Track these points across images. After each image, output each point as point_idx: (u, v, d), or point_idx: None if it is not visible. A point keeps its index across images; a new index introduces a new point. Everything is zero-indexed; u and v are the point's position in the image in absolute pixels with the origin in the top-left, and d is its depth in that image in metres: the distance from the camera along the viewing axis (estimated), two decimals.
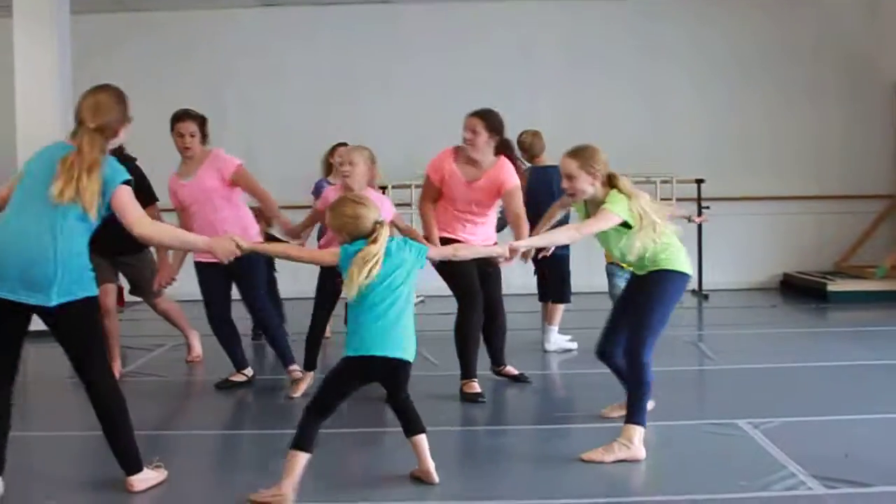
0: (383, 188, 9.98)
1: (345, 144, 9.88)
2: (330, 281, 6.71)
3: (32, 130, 10.32)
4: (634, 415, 5.73)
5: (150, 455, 5.39)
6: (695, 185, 13.12)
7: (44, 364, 8.37)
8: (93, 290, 5.03)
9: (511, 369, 7.98)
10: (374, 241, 5.02)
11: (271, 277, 9.66)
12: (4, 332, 5.02)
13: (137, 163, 8.13)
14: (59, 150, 5.01)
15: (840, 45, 14.14)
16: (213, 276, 7.56)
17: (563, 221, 7.48)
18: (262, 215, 8.48)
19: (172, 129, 7.65)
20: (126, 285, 8.78)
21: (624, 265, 7.20)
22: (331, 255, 5.28)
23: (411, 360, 5.20)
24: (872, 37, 14.19)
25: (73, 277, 4.91)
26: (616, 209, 5.72)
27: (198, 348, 9.02)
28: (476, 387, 7.34)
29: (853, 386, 7.62)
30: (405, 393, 5.27)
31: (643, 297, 5.85)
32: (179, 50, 13.88)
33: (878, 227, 14.10)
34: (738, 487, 5.13)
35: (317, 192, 9.63)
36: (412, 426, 5.28)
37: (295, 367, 7.73)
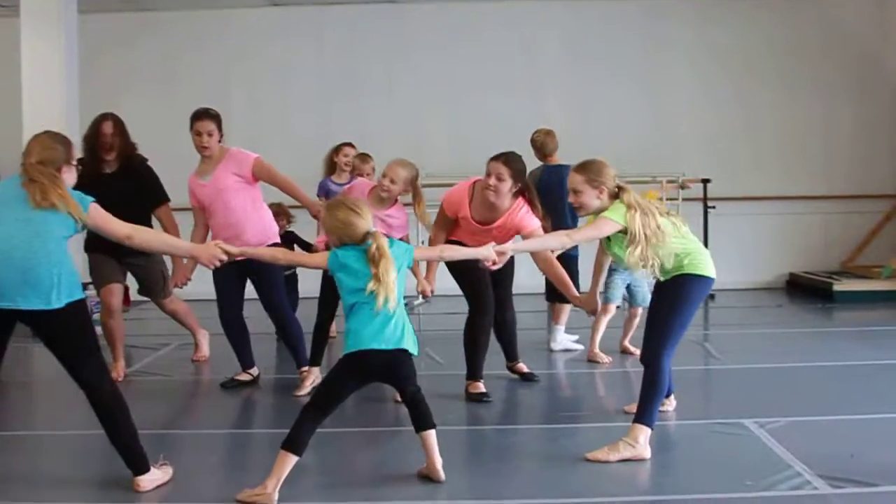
0: None
1: (350, 144, 9.90)
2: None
3: (39, 130, 10.20)
4: (643, 415, 5.73)
5: (157, 454, 5.39)
6: (701, 185, 13.09)
7: (49, 363, 8.36)
8: (82, 294, 5.10)
9: (523, 366, 8.02)
10: (375, 258, 5.02)
11: (293, 273, 9.67)
12: None
13: (148, 163, 8.16)
14: (14, 179, 5.10)
15: (847, 45, 14.13)
16: (228, 275, 7.52)
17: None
18: (280, 215, 8.51)
19: (191, 127, 7.64)
20: (133, 285, 8.78)
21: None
22: (320, 258, 5.31)
23: (412, 352, 5.18)
24: (879, 36, 14.18)
25: (71, 279, 4.96)
26: (611, 215, 5.71)
27: (205, 348, 9.02)
28: (481, 387, 7.35)
29: (859, 386, 7.62)
30: (414, 386, 5.26)
31: (666, 301, 5.84)
32: (186, 49, 13.92)
33: (884, 227, 14.10)
34: (743, 487, 5.12)
35: (324, 193, 9.61)
36: (422, 422, 5.28)
37: (307, 368, 7.75)
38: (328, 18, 14.08)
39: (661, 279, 5.86)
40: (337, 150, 9.90)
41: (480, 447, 6.31)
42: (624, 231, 5.69)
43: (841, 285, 12.75)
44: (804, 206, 14.17)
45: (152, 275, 8.40)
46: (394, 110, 13.90)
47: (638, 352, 6.38)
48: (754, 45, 14.05)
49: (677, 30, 14.09)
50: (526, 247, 6.14)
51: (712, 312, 12.08)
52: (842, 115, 14.19)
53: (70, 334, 5.03)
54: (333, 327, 8.68)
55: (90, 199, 5.11)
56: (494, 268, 6.03)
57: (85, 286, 5.71)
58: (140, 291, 8.61)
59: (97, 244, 7.80)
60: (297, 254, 5.91)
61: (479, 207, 7.16)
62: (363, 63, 14.05)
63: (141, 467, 5.18)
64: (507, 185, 6.94)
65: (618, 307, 8.84)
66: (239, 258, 5.47)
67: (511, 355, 8.03)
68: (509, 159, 7.00)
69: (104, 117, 8.06)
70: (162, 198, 8.14)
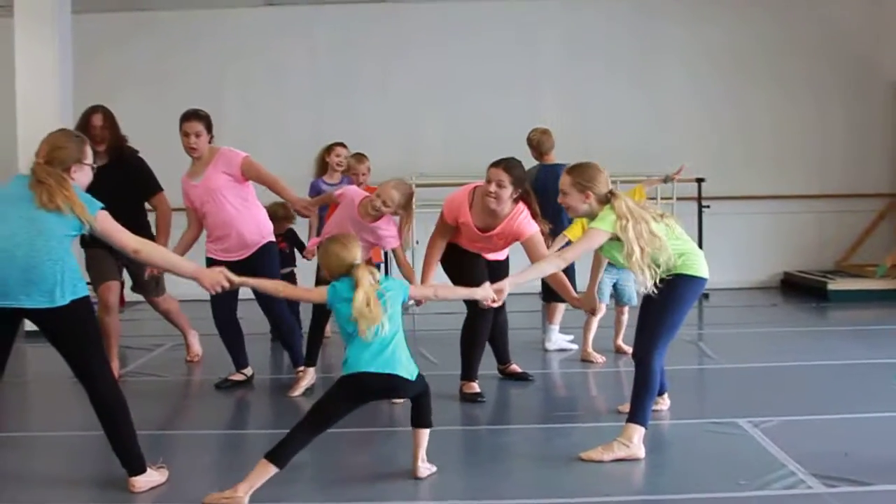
0: None
1: (341, 144, 9.85)
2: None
3: (33, 130, 10.23)
4: (636, 414, 5.74)
5: (151, 455, 5.39)
6: (695, 184, 13.08)
7: (44, 364, 8.38)
8: (86, 291, 5.09)
9: (516, 367, 8.03)
10: (357, 287, 5.04)
11: (290, 272, 9.68)
12: None
13: (140, 155, 8.16)
14: (23, 178, 5.12)
15: (841, 44, 14.12)
16: None
17: None
18: (276, 216, 8.52)
19: (180, 128, 7.63)
20: (127, 282, 8.76)
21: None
22: (319, 293, 5.32)
23: (408, 378, 5.17)
24: (873, 35, 14.17)
25: (74, 276, 4.97)
26: (600, 225, 5.71)
27: (197, 348, 9.02)
28: (476, 387, 7.36)
29: (853, 385, 7.62)
30: (420, 392, 5.31)
31: (658, 300, 5.83)
32: (180, 49, 13.88)
33: (878, 226, 14.10)
34: (737, 486, 5.14)
35: (315, 193, 9.55)
36: (419, 419, 5.37)
37: (303, 368, 7.75)
38: (322, 18, 14.05)
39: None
40: (328, 149, 9.83)
41: (475, 447, 6.31)
42: (616, 238, 5.68)
43: (835, 284, 12.75)
44: (798, 205, 14.17)
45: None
46: (388, 110, 13.88)
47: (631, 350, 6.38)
48: (748, 44, 14.05)
49: (672, 29, 14.08)
50: (524, 278, 6.06)
51: (707, 312, 12.09)
52: (835, 114, 14.19)
53: (74, 331, 5.04)
54: (329, 327, 8.68)
55: (100, 204, 5.11)
56: (495, 305, 6.03)
57: None
58: (134, 288, 8.59)
59: (95, 240, 7.79)
60: (299, 288, 5.94)
61: (480, 213, 7.14)
62: (357, 62, 14.03)
63: (137, 468, 5.20)
64: (508, 191, 6.92)
65: (605, 305, 8.84)
66: (237, 280, 5.44)
67: (503, 358, 8.04)
68: (510, 165, 6.96)
69: (94, 110, 8.07)
70: (155, 188, 8.16)
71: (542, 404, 7.47)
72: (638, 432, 5.69)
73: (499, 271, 7.39)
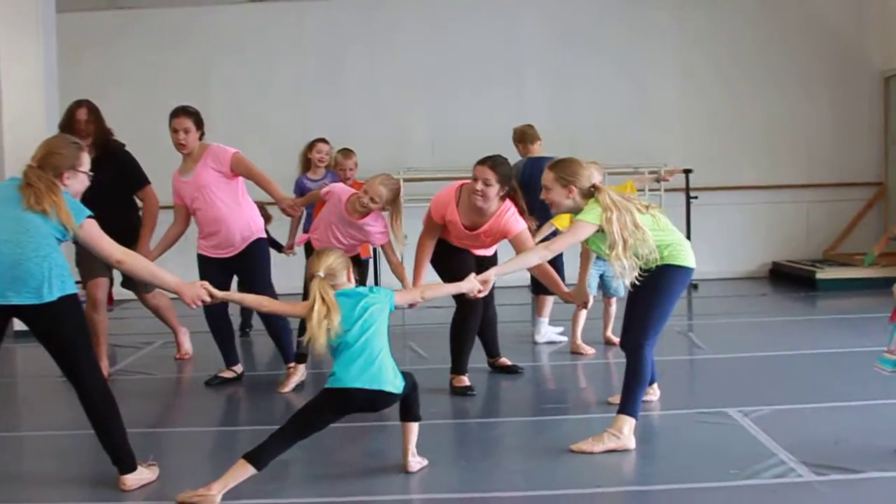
0: None
1: (323, 140, 9.82)
2: None
3: (18, 130, 10.35)
4: (627, 406, 5.74)
5: (142, 453, 5.39)
6: (683, 175, 13.08)
7: (35, 363, 8.37)
8: (75, 288, 5.08)
9: (505, 360, 8.04)
10: (313, 300, 5.05)
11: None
12: None
13: (126, 148, 8.14)
14: (15, 180, 5.10)
15: (828, 35, 14.17)
16: (215, 271, 7.53)
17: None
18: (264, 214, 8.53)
19: (169, 125, 7.62)
20: (117, 279, 8.74)
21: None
22: (302, 307, 5.28)
23: (395, 393, 5.14)
24: (860, 26, 14.22)
25: (62, 272, 4.97)
26: (586, 217, 5.70)
27: (187, 345, 9.01)
28: (466, 381, 7.37)
29: (842, 373, 7.64)
30: (411, 381, 5.32)
31: (646, 291, 5.83)
32: (166, 46, 13.87)
33: (865, 215, 14.17)
34: (728, 475, 5.14)
35: (299, 191, 9.53)
36: (408, 413, 5.37)
37: (293, 364, 7.75)
38: (308, 13, 14.06)
39: (643, 269, 5.85)
40: (310, 146, 9.78)
41: (465, 440, 6.32)
42: (601, 230, 5.68)
43: (824, 273, 12.80)
44: (786, 195, 14.21)
45: None
46: (375, 105, 13.89)
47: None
48: (737, 34, 14.09)
49: (661, 20, 14.12)
50: (508, 269, 6.05)
51: (696, 302, 12.11)
52: (823, 104, 14.24)
53: (63, 328, 5.03)
54: None
55: (88, 212, 5.09)
56: (481, 296, 6.04)
57: None
58: (124, 284, 8.56)
59: None
60: (282, 303, 5.90)
61: (467, 211, 7.13)
62: (343, 57, 14.04)
63: (127, 466, 5.18)
64: (494, 189, 6.91)
65: (593, 297, 8.83)
66: (219, 294, 5.42)
67: (492, 351, 8.05)
68: (496, 163, 6.95)
69: (78, 104, 8.05)
70: (143, 181, 8.15)
71: (532, 397, 7.48)
72: (628, 423, 5.70)
73: (487, 267, 7.37)
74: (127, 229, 7.58)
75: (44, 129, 9.56)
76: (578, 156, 6.07)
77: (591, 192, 5.81)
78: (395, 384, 5.12)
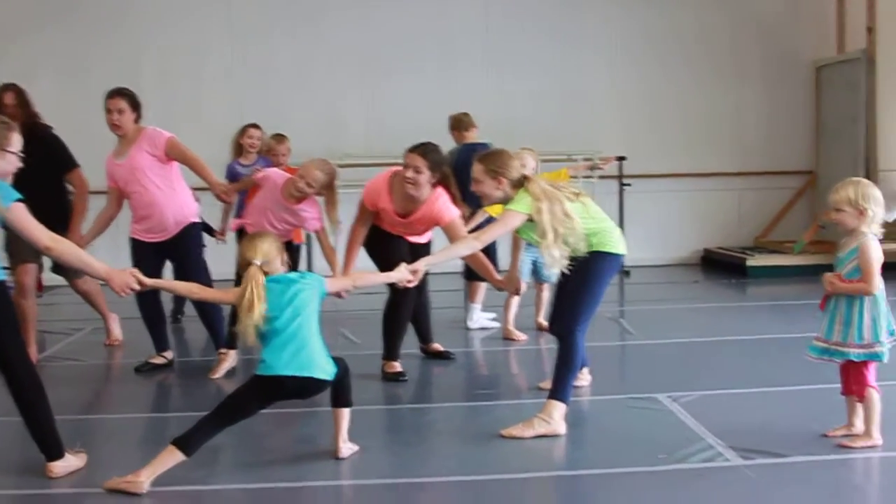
0: None
1: (255, 125, 9.77)
2: None
3: None
4: (558, 391, 5.77)
5: (71, 440, 5.34)
6: (616, 162, 13.13)
7: None
8: (2, 274, 5.01)
9: (438, 346, 8.05)
10: (244, 287, 5.02)
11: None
12: None
13: (53, 131, 8.04)
14: None
15: (762, 25, 14.29)
16: (148, 254, 7.49)
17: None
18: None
19: (104, 106, 7.54)
20: (47, 264, 8.64)
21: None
22: (234, 294, 5.25)
23: (326, 379, 5.13)
24: (793, 16, 14.35)
25: None
26: (516, 207, 5.73)
27: (117, 331, 8.93)
28: (398, 367, 7.38)
29: (770, 359, 7.74)
30: (343, 366, 5.31)
31: (576, 278, 5.86)
32: (96, 31, 13.63)
33: (796, 204, 14.33)
34: (657, 460, 5.19)
35: (230, 176, 9.47)
36: (339, 399, 5.35)
37: (225, 350, 7.70)
38: None
39: (573, 256, 5.88)
40: (242, 131, 9.72)
41: (397, 426, 6.32)
42: (532, 219, 5.70)
43: (754, 261, 12.94)
44: (718, 182, 14.34)
45: None
46: (310, 90, 13.78)
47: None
48: (673, 25, 14.14)
49: (599, 8, 14.12)
50: (439, 259, 6.07)
51: (628, 288, 12.19)
52: (756, 94, 14.37)
53: None
54: None
55: (17, 196, 5.00)
56: (410, 286, 6.05)
57: None
58: (54, 270, 8.46)
59: None
60: (213, 290, 5.87)
61: (399, 199, 7.10)
62: (277, 41, 13.89)
63: (55, 453, 5.13)
64: (425, 176, 6.89)
65: (526, 283, 8.87)
66: (148, 282, 5.36)
67: (425, 337, 8.05)
68: (426, 151, 6.93)
69: (5, 88, 7.95)
70: (71, 164, 8.04)
71: (463, 382, 7.50)
72: (559, 409, 5.73)
73: (421, 254, 7.38)
74: (57, 213, 7.49)
75: None
76: (514, 143, 6.10)
77: (521, 182, 5.83)
78: (326, 370, 5.11)
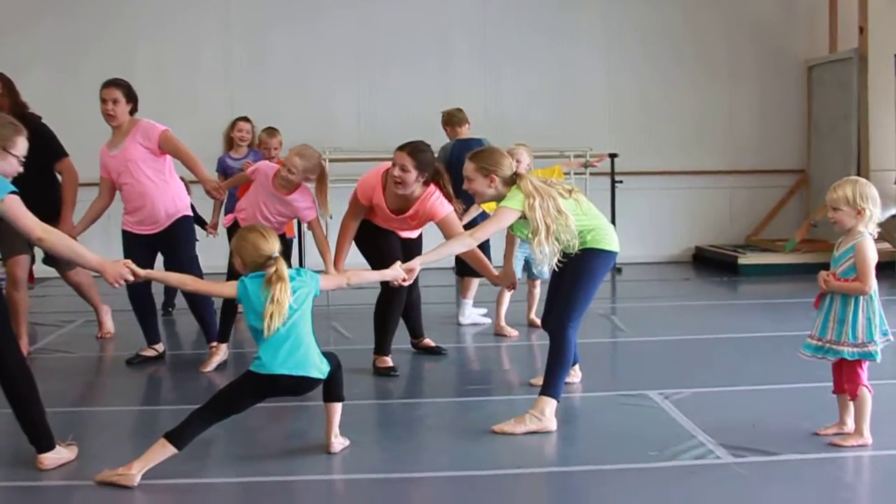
0: None
1: (245, 118, 9.79)
2: None
3: None
4: (549, 387, 5.77)
5: (63, 433, 5.34)
6: (608, 159, 13.13)
7: None
8: None
9: (429, 341, 8.04)
10: (273, 281, 4.96)
11: None
12: None
13: (43, 121, 8.01)
14: None
15: (755, 23, 14.33)
16: (140, 247, 7.48)
17: None
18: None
19: (100, 96, 7.53)
20: (38, 256, 8.61)
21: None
22: (229, 287, 5.24)
23: (320, 378, 5.14)
24: (783, 17, 14.38)
25: None
26: (509, 204, 5.74)
27: (108, 324, 8.92)
28: (389, 362, 7.38)
29: (761, 357, 7.76)
30: (336, 360, 5.31)
31: (569, 275, 5.87)
32: (91, 26, 13.57)
33: (788, 202, 14.37)
34: (648, 457, 5.20)
35: (221, 169, 9.51)
36: (331, 393, 5.35)
37: (216, 343, 7.70)
38: None
39: (567, 253, 5.88)
40: (232, 125, 9.75)
41: (388, 421, 6.32)
42: (525, 216, 5.70)
43: (746, 259, 12.95)
44: (710, 180, 14.36)
45: None
46: (301, 84, 13.75)
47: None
48: (667, 23, 14.16)
49: (593, 6, 14.13)
50: (434, 257, 6.06)
51: (619, 286, 12.19)
52: (748, 93, 14.39)
53: None
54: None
55: (11, 188, 4.98)
56: (406, 284, 6.05)
57: None
58: (45, 261, 8.43)
59: None
60: (206, 282, 5.85)
61: (392, 196, 7.07)
62: (270, 35, 13.87)
63: (45, 445, 5.13)
64: (412, 175, 6.86)
65: (518, 280, 8.87)
66: (142, 273, 5.35)
67: (416, 332, 8.05)
68: (414, 150, 6.90)
69: None
70: (61, 153, 7.98)
71: (455, 378, 7.50)
72: (550, 405, 5.73)
73: (412, 249, 7.39)
74: (47, 203, 7.47)
75: None
76: (506, 139, 6.09)
77: (513, 180, 5.83)
78: (320, 369, 5.11)
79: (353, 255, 7.30)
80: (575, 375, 6.78)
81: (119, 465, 4.89)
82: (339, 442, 5.38)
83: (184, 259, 7.60)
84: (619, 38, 14.14)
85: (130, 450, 5.17)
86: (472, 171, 5.90)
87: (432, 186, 7.06)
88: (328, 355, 5.24)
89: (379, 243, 7.27)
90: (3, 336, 5.03)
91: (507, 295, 8.52)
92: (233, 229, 7.59)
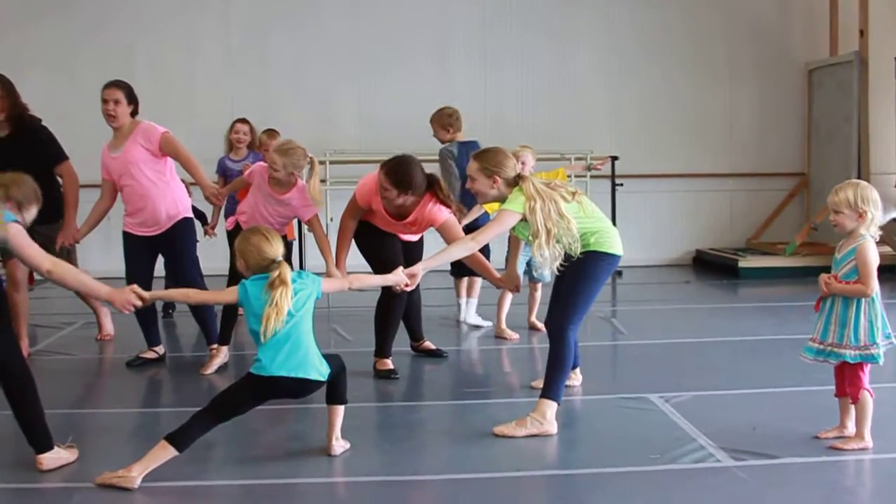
0: None
1: (243, 120, 9.81)
2: None
3: None
4: (550, 390, 5.77)
5: (63, 434, 5.34)
6: (609, 162, 13.13)
7: None
8: None
9: (429, 344, 8.04)
10: (276, 284, 4.95)
11: None
12: None
13: (43, 123, 8.00)
14: None
15: (755, 27, 14.33)
16: (141, 249, 7.53)
17: None
18: None
19: (101, 97, 7.53)
20: None
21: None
22: (230, 293, 5.24)
23: (320, 380, 5.12)
24: (786, 18, 14.38)
25: None
26: (510, 206, 5.72)
27: (108, 326, 8.91)
28: (389, 364, 7.37)
29: (761, 360, 7.75)
30: (339, 362, 5.31)
31: (571, 276, 5.87)
32: (91, 26, 13.58)
33: (788, 205, 14.36)
34: (648, 460, 5.19)
35: (221, 171, 9.53)
36: (334, 396, 5.35)
37: (216, 346, 7.70)
38: None
39: (570, 255, 5.87)
40: (231, 127, 9.79)
41: (389, 424, 6.30)
42: (526, 219, 5.70)
43: (746, 262, 12.95)
44: (711, 183, 14.36)
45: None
46: (300, 85, 13.75)
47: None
48: (667, 25, 14.17)
49: (592, 8, 14.14)
50: (436, 262, 6.05)
51: (620, 289, 12.19)
52: (748, 95, 14.39)
53: None
54: None
55: (10, 218, 4.99)
56: (408, 289, 6.05)
57: None
58: None
59: None
60: (208, 292, 5.85)
61: (389, 203, 7.08)
62: (268, 36, 13.86)
63: (44, 446, 5.12)
64: (393, 192, 6.83)
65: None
66: (148, 296, 5.36)
67: (416, 335, 8.05)
68: (390, 169, 6.84)
69: None
70: (61, 156, 7.97)
71: (455, 380, 7.49)
72: (551, 408, 5.73)
73: (413, 251, 7.41)
74: (48, 205, 7.45)
75: None
76: (506, 140, 6.08)
77: (516, 181, 5.83)
78: (320, 371, 5.10)
79: (356, 257, 7.30)
80: (575, 379, 6.77)
81: (119, 468, 4.88)
82: (339, 444, 5.38)
83: (185, 261, 7.61)
84: (619, 41, 14.14)
85: (131, 452, 5.17)
86: (475, 171, 5.89)
87: (427, 196, 7.04)
88: (332, 357, 5.23)
89: (380, 247, 7.27)
90: (5, 339, 5.03)
91: (509, 298, 8.52)
92: (234, 233, 7.58)
